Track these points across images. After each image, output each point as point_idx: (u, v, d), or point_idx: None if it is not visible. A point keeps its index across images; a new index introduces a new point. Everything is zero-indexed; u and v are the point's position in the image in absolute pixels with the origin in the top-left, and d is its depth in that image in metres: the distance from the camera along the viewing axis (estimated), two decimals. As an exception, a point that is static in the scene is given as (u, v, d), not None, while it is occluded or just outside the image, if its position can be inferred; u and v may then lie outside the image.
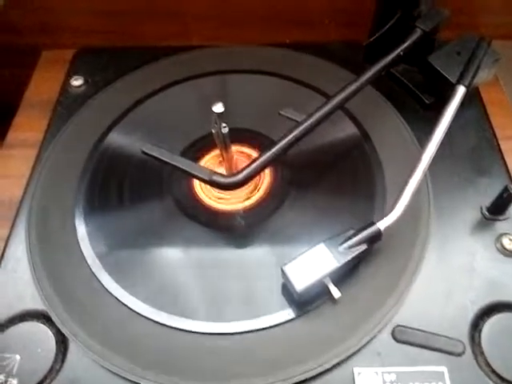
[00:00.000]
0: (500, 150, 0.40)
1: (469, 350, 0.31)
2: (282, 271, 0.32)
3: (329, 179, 0.39)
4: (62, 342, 0.32)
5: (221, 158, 0.38)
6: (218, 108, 0.31)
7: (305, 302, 0.32)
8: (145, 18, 0.51)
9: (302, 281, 0.31)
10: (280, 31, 0.50)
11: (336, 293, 0.31)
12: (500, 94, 0.45)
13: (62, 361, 0.31)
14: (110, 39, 0.51)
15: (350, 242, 0.32)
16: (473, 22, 0.49)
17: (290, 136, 0.34)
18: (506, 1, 0.48)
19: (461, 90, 0.38)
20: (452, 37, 0.41)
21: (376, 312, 0.32)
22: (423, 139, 0.36)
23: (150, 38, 0.52)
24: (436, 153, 0.34)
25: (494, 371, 0.30)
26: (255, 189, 0.39)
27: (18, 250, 0.36)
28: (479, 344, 0.31)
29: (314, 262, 0.31)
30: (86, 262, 0.35)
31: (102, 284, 0.34)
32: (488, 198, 0.36)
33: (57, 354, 0.31)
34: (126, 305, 0.33)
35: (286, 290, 0.33)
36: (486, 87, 0.44)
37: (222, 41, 0.50)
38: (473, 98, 0.43)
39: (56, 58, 0.50)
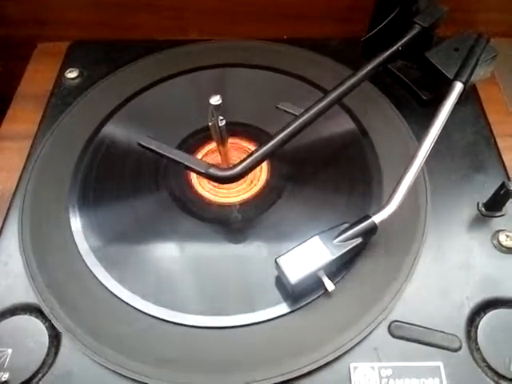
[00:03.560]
0: (497, 147, 0.40)
1: (465, 346, 0.31)
2: (276, 263, 0.31)
3: (326, 173, 0.39)
4: (55, 336, 0.32)
5: (217, 152, 0.38)
6: (216, 100, 0.31)
7: (299, 295, 0.32)
8: (141, 11, 0.50)
9: (295, 273, 0.31)
10: (278, 26, 0.50)
11: (330, 286, 0.31)
12: (497, 91, 0.45)
13: (55, 355, 0.31)
14: (105, 32, 0.51)
15: (344, 236, 0.32)
16: (470, 18, 0.49)
17: (288, 130, 0.34)
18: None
19: (458, 87, 0.37)
20: (449, 33, 0.41)
21: (372, 307, 0.32)
22: (420, 135, 0.35)
23: (146, 31, 0.51)
24: (433, 149, 0.34)
25: (489, 367, 0.30)
26: (252, 182, 0.39)
27: (11, 242, 0.36)
28: (475, 340, 0.31)
29: (309, 254, 0.31)
30: (80, 255, 0.34)
31: (96, 277, 0.33)
32: (485, 195, 0.36)
33: (49, 348, 0.31)
34: (119, 298, 0.33)
35: (281, 282, 0.33)
36: (483, 84, 0.44)
37: (220, 35, 0.50)
38: (470, 95, 0.43)
39: (51, 51, 0.50)
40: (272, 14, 0.50)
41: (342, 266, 0.33)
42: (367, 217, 0.32)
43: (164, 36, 0.50)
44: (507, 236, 0.35)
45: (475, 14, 0.49)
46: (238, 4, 0.50)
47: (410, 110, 0.42)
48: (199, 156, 0.40)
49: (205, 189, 0.38)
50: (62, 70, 0.47)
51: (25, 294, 0.33)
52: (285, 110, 0.36)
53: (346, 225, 0.32)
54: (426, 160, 0.34)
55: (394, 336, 0.31)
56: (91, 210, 0.37)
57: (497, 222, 0.36)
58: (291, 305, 0.32)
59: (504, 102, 0.45)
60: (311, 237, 0.32)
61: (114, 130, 0.42)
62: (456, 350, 0.31)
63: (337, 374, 0.30)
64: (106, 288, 0.33)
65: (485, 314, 0.32)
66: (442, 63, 0.40)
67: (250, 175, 0.37)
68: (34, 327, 0.32)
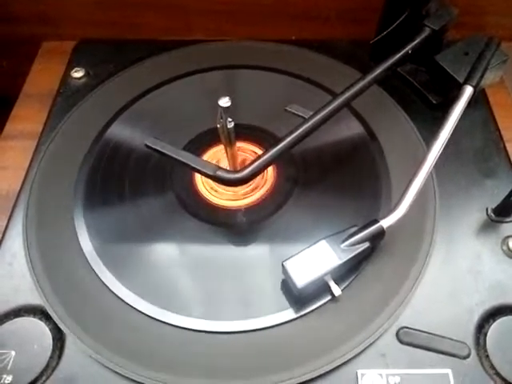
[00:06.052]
0: (506, 151, 0.40)
1: (474, 353, 0.30)
2: (283, 267, 0.31)
3: (334, 177, 0.39)
4: (59, 339, 0.31)
5: (224, 154, 0.37)
6: (225, 102, 0.31)
7: (305, 300, 0.32)
8: (148, 11, 0.50)
9: (302, 277, 0.30)
10: (286, 27, 0.50)
11: (336, 290, 0.31)
12: (506, 96, 0.45)
13: (59, 357, 0.31)
14: (111, 31, 0.50)
15: (352, 240, 0.32)
16: (480, 22, 0.48)
17: (296, 133, 0.33)
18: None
19: (468, 90, 0.37)
20: (459, 37, 0.41)
21: (380, 313, 0.31)
22: (429, 139, 0.35)
23: (152, 31, 0.51)
24: (442, 154, 0.34)
25: (498, 374, 0.30)
26: (259, 185, 0.38)
27: (15, 243, 0.35)
28: (484, 347, 0.30)
29: (316, 258, 0.31)
30: (85, 256, 0.34)
31: (100, 279, 0.33)
32: (494, 200, 0.36)
33: (53, 351, 0.31)
34: (124, 301, 0.32)
35: (287, 286, 0.32)
36: (492, 89, 0.44)
37: (226, 36, 0.49)
38: (479, 100, 0.43)
39: (56, 49, 0.50)
40: (280, 15, 0.50)
41: (349, 271, 0.32)
42: (375, 221, 0.32)
43: (170, 36, 0.49)
44: (517, 242, 0.35)
45: (485, 18, 0.48)
46: (245, 4, 0.49)
47: (418, 114, 0.42)
48: (206, 158, 0.40)
49: (210, 191, 0.38)
50: (68, 69, 0.47)
51: (29, 295, 0.33)
52: (293, 113, 0.36)
53: (354, 228, 0.32)
54: (435, 164, 0.34)
55: (402, 342, 0.31)
56: (96, 211, 0.37)
57: (506, 228, 0.35)
58: (297, 310, 0.32)
59: (513, 107, 0.44)
60: (318, 240, 0.32)
61: (120, 131, 0.41)
62: (465, 358, 0.30)
63: (344, 381, 0.30)
64: (110, 290, 0.33)
65: (494, 320, 0.31)
66: (452, 67, 0.39)
67: (257, 178, 0.37)
68: (38, 329, 0.31)
